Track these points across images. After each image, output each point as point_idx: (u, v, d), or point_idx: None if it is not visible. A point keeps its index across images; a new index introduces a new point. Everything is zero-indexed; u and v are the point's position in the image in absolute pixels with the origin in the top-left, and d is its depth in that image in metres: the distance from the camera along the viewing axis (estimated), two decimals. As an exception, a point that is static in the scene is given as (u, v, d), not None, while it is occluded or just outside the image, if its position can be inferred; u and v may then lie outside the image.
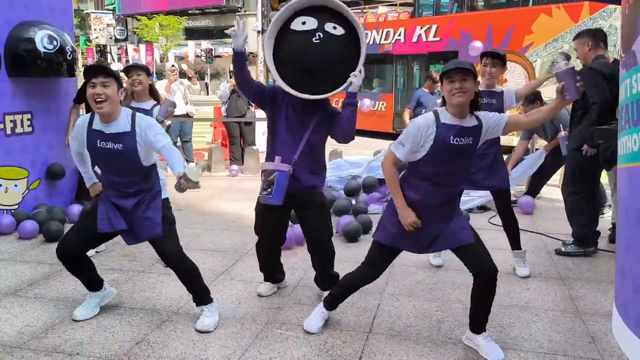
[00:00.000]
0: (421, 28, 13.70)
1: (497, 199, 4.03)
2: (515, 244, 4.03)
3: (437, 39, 13.17)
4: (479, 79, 3.89)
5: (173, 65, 9.06)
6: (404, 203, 2.81)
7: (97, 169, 3.34)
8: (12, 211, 5.25)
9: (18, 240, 4.87)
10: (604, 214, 5.60)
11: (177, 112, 8.28)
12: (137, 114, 3.06)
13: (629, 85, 2.71)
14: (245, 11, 35.05)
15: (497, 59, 3.92)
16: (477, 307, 2.87)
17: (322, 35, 3.06)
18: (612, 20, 9.61)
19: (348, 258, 4.36)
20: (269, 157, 3.28)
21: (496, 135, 2.92)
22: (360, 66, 3.13)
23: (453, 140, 2.71)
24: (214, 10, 36.27)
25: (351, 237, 4.81)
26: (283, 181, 3.16)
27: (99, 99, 2.89)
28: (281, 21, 3.19)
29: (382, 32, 14.93)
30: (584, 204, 4.41)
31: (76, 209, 5.83)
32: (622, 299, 2.86)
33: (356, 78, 3.10)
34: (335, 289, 3.18)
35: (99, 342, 2.99)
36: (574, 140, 4.36)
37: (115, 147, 2.96)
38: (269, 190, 3.17)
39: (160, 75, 25.77)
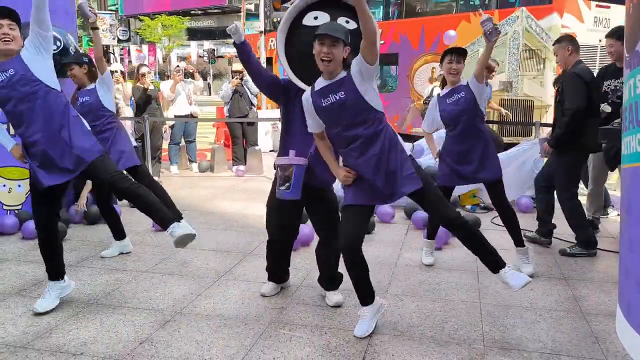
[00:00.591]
0: None
1: (490, 191, 4.01)
2: (517, 240, 4.02)
3: (382, 42, 13.86)
4: (445, 77, 3.95)
5: (178, 66, 9.08)
6: (334, 164, 3.01)
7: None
8: (16, 211, 5.26)
9: (21, 240, 4.88)
10: (608, 214, 5.60)
11: (181, 112, 8.31)
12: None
13: (632, 85, 2.70)
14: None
15: (461, 55, 3.90)
16: (476, 253, 3.03)
17: None
18: (516, 27, 10.03)
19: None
20: (283, 151, 3.25)
21: (367, 67, 2.76)
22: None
23: (324, 103, 2.83)
24: (216, 10, 36.31)
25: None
26: (300, 175, 3.13)
27: (6, 39, 3.04)
28: (292, 16, 3.18)
29: None
30: (582, 206, 4.44)
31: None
32: (626, 299, 2.86)
33: None
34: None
35: (102, 342, 2.99)
36: (554, 144, 4.38)
37: (8, 73, 3.04)
38: (287, 185, 3.12)
39: (163, 75, 25.78)
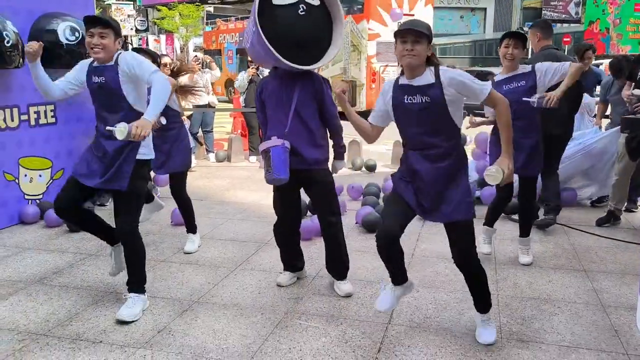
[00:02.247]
0: None
1: (522, 185, 3.99)
2: (524, 232, 4.04)
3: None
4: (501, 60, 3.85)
5: (196, 56, 9.09)
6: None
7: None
8: (38, 201, 5.34)
9: (43, 229, 4.96)
10: (635, 209, 5.45)
11: (199, 102, 8.33)
12: (122, 53, 3.14)
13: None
14: None
15: (519, 39, 3.79)
16: (472, 293, 2.93)
17: (305, 7, 3.22)
18: (346, 29, 11.90)
19: (367, 248, 4.35)
20: (264, 140, 3.36)
21: (462, 98, 2.69)
22: (337, 36, 3.33)
23: (407, 100, 2.69)
24: (234, -1, 36.30)
25: (370, 227, 4.79)
26: (280, 155, 3.20)
27: (96, 48, 3.06)
28: None
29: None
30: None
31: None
32: (647, 292, 2.81)
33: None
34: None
35: (121, 330, 3.04)
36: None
37: (99, 80, 3.11)
38: (269, 169, 3.22)
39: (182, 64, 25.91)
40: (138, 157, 3.15)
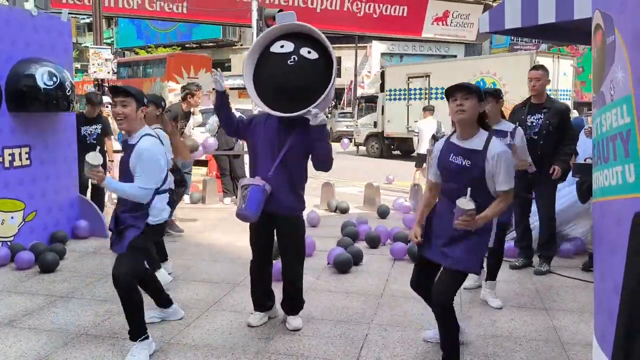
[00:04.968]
0: None
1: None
2: (492, 275, 4.16)
3: None
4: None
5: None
6: (418, 218, 3.13)
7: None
8: (8, 243, 5.32)
9: (13, 271, 4.93)
10: None
11: None
12: (144, 137, 3.22)
13: (599, 124, 2.86)
14: (241, 45, 35.65)
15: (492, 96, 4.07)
16: (441, 340, 3.05)
17: (296, 58, 3.33)
18: None
19: (337, 289, 4.44)
20: (250, 177, 3.51)
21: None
22: (326, 93, 3.33)
23: (451, 158, 2.90)
24: (211, 44, 36.89)
25: (341, 268, 4.90)
26: (256, 195, 3.34)
27: (118, 118, 3.19)
28: (262, 45, 3.49)
29: None
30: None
31: (82, 224, 6.06)
32: (600, 328, 2.95)
33: (315, 113, 3.29)
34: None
35: (91, 372, 3.05)
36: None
37: (126, 154, 3.27)
38: (243, 204, 3.34)
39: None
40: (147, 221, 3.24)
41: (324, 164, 3.47)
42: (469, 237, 2.86)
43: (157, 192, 3.23)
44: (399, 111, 17.82)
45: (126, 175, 3.23)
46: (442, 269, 2.97)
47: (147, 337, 3.23)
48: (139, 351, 3.17)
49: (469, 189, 2.76)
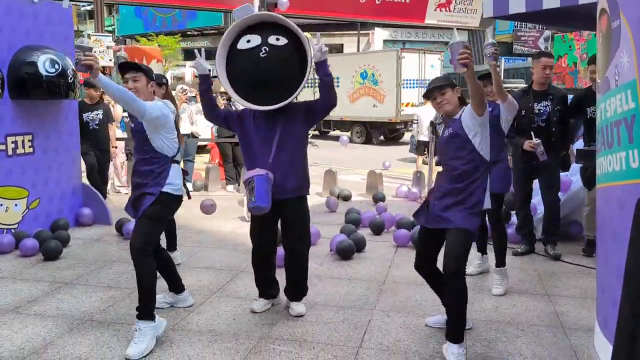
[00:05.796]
0: None
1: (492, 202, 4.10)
2: (500, 261, 4.13)
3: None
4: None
5: (182, 88, 9.27)
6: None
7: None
8: (13, 230, 5.35)
9: (17, 258, 4.96)
10: None
11: (182, 132, 8.47)
12: (155, 103, 3.32)
13: (603, 110, 2.86)
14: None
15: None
16: (447, 311, 3.11)
17: (267, 49, 3.34)
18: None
19: (341, 275, 4.46)
20: (248, 170, 3.49)
21: (479, 120, 3.02)
22: (306, 78, 3.40)
23: (443, 133, 3.18)
24: (212, 31, 36.70)
25: (344, 254, 4.91)
26: (262, 183, 3.32)
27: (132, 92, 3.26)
28: (227, 45, 3.47)
29: None
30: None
31: (86, 211, 6.07)
32: (602, 314, 2.97)
33: (319, 48, 3.36)
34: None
35: (97, 358, 3.08)
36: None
37: (132, 125, 3.37)
38: (252, 198, 3.32)
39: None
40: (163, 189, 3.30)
41: (329, 99, 3.46)
42: (465, 202, 3.02)
43: (173, 160, 3.36)
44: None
45: (138, 141, 3.33)
46: (447, 237, 3.03)
47: (152, 319, 3.21)
48: (144, 335, 3.14)
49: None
